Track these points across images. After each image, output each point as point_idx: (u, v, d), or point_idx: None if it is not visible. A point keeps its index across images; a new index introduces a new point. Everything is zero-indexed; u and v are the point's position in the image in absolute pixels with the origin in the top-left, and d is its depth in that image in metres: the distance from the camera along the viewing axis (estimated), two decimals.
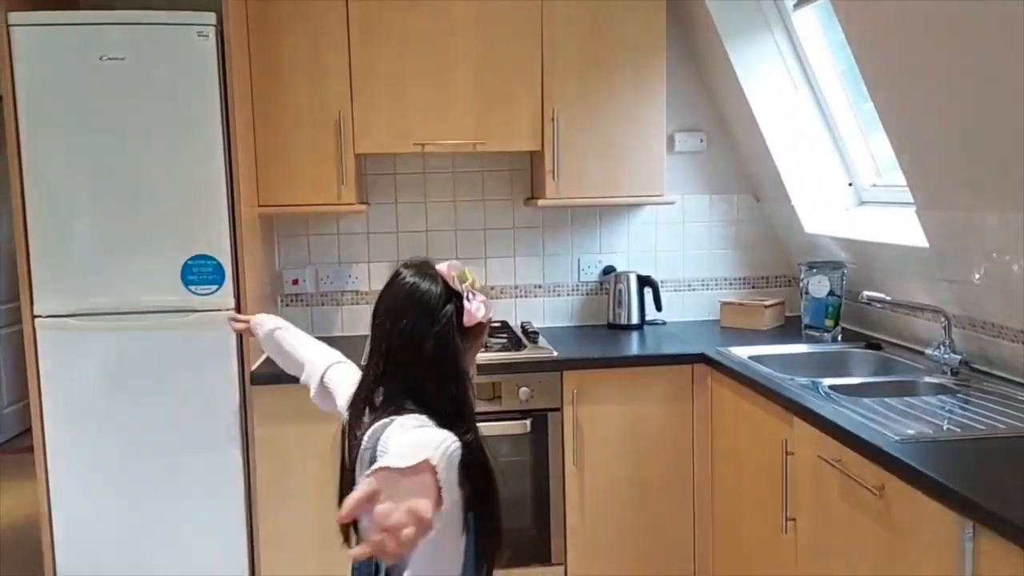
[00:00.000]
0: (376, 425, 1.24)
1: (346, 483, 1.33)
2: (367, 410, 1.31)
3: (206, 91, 2.50)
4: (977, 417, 1.89)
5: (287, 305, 3.16)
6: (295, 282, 3.15)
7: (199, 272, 2.55)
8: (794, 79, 2.92)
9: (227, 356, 2.58)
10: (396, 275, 1.35)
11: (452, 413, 1.27)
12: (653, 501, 2.75)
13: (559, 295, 3.28)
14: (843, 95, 2.86)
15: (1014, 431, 1.78)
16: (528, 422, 2.65)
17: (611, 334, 3.10)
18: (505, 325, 3.14)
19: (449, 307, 1.30)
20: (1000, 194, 1.95)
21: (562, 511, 2.71)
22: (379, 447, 1.19)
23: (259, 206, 2.78)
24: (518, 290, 3.25)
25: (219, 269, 2.56)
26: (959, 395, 2.12)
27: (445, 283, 1.31)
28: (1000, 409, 1.94)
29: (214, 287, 2.56)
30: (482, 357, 2.64)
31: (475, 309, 1.31)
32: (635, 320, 3.16)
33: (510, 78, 2.81)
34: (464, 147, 2.84)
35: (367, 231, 3.17)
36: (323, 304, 3.17)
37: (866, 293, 2.32)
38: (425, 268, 1.34)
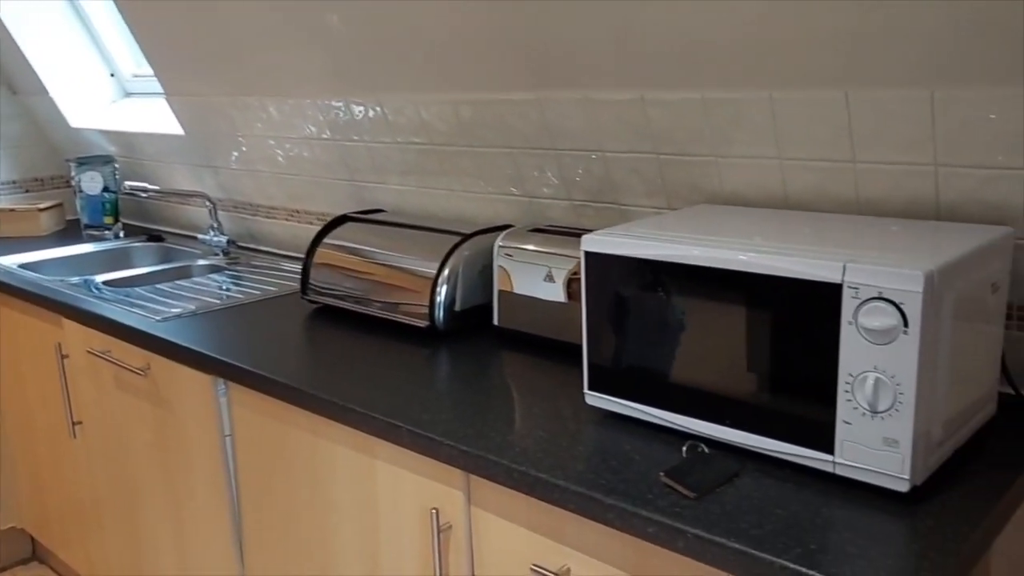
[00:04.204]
0: None
1: None
2: None
3: None
4: (245, 288, 2.07)
5: None
6: None
7: None
8: None
9: None
10: None
11: None
12: None
13: None
14: None
15: (269, 295, 2.00)
16: None
17: None
18: None
19: None
20: (233, 81, 2.09)
21: None
22: None
23: None
24: None
25: None
26: (229, 271, 2.28)
27: None
28: (264, 278, 2.15)
29: None
30: None
31: None
32: None
33: None
34: None
35: None
36: None
37: (128, 183, 2.30)
38: None
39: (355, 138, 1.98)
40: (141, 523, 1.94)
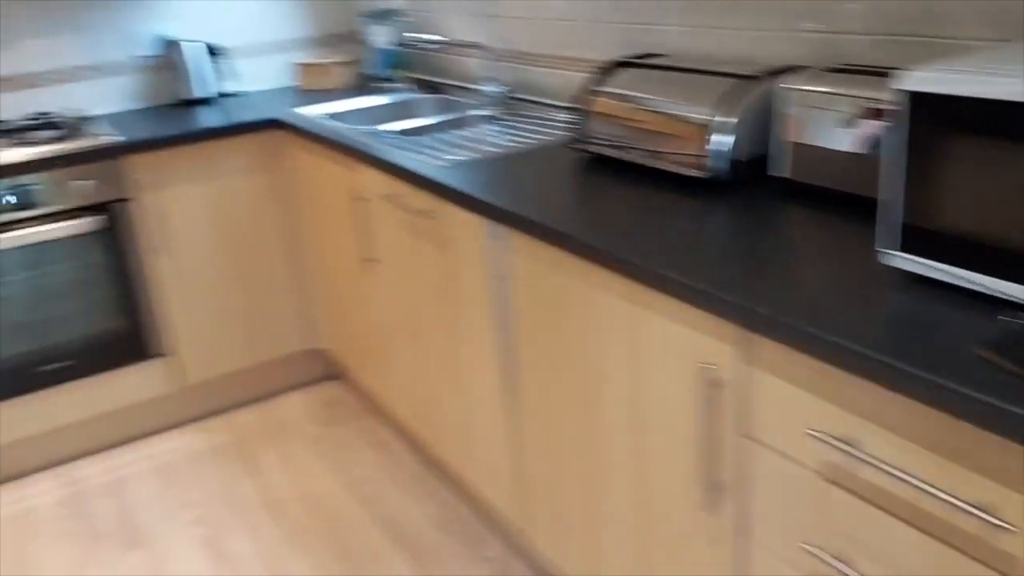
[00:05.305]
0: None
1: None
2: None
3: None
4: (517, 138, 2.09)
5: None
6: None
7: None
8: None
9: None
10: None
11: None
12: (253, 271, 2.74)
13: (115, 75, 2.91)
14: None
15: (542, 144, 2.00)
16: (95, 219, 2.42)
17: (182, 111, 2.86)
18: (46, 117, 2.74)
19: None
20: None
21: (153, 303, 2.59)
22: None
23: None
24: (59, 75, 2.82)
25: None
26: (504, 122, 2.31)
27: None
28: (535, 128, 2.16)
29: None
30: (22, 154, 2.31)
31: None
32: (208, 93, 2.94)
33: None
34: None
35: None
36: None
37: (406, 35, 2.36)
38: None
39: None
40: (424, 354, 2.11)
